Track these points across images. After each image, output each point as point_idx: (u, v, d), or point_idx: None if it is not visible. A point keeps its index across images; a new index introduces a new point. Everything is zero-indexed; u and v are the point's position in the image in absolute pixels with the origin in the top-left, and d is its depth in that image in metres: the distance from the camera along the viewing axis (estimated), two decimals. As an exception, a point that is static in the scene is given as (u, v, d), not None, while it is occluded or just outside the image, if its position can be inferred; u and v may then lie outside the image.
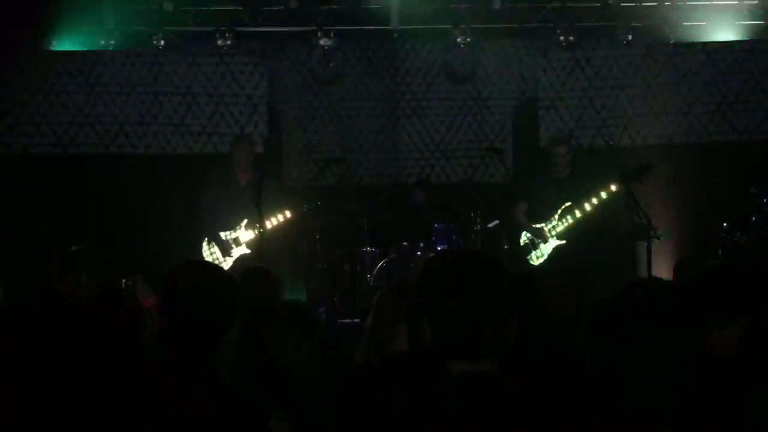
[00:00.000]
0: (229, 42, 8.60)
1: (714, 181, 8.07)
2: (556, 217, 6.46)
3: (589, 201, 6.29)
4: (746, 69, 8.49)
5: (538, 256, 6.58)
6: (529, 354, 2.75)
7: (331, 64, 8.70)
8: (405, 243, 7.46)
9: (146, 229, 8.05)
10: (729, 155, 8.30)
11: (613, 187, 6.13)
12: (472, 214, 7.59)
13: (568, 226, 6.40)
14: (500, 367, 1.77)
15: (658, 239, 6.30)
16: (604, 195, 6.22)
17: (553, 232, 6.49)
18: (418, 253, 7.28)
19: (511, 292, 1.81)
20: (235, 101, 8.66)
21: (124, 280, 5.39)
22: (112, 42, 8.45)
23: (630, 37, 8.54)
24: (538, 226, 6.57)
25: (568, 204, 6.39)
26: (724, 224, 6.93)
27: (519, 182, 7.29)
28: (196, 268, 2.17)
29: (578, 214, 6.34)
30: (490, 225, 7.66)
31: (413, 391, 1.77)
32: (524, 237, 6.72)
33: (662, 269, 6.74)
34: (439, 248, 7.21)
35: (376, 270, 7.26)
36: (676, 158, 8.21)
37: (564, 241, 6.45)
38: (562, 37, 8.59)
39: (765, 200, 6.65)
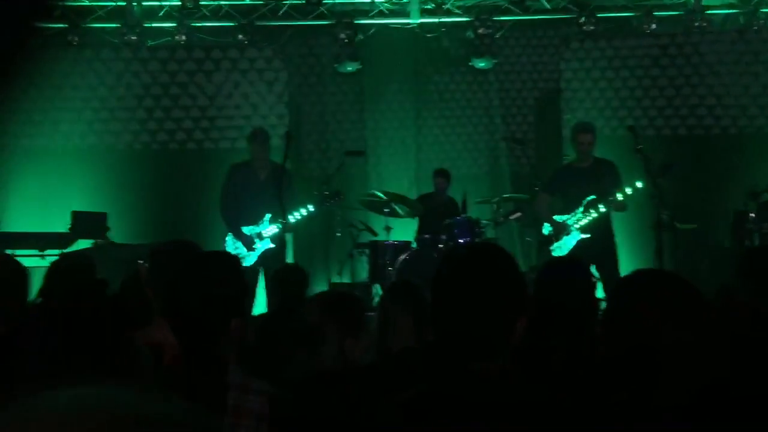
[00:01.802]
0: (249, 36, 8.64)
1: (741, 170, 7.97)
2: (581, 210, 6.37)
3: (614, 196, 6.17)
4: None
5: (560, 247, 6.50)
6: (547, 352, 2.71)
7: (351, 58, 8.69)
8: (427, 236, 7.44)
9: (168, 224, 8.10)
10: (756, 145, 8.19)
11: (639, 184, 6.01)
12: (495, 206, 7.58)
13: (592, 220, 6.30)
14: (509, 366, 1.75)
15: (684, 230, 6.24)
16: (629, 191, 6.09)
17: (577, 225, 6.40)
18: (440, 245, 7.25)
19: (519, 289, 1.76)
20: (256, 95, 8.69)
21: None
22: (134, 37, 8.50)
23: (653, 25, 8.46)
24: (560, 219, 6.48)
25: (592, 197, 6.29)
26: (751, 214, 6.86)
27: (541, 173, 7.22)
28: (204, 256, 2.14)
29: (603, 208, 6.23)
30: (512, 217, 7.62)
31: (414, 389, 1.75)
32: (547, 228, 6.66)
33: (689, 259, 6.68)
34: (461, 241, 7.18)
35: (398, 263, 7.24)
36: (704, 148, 8.13)
37: (588, 235, 6.35)
38: (584, 27, 8.54)
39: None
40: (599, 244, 6.29)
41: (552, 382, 2.43)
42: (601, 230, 6.32)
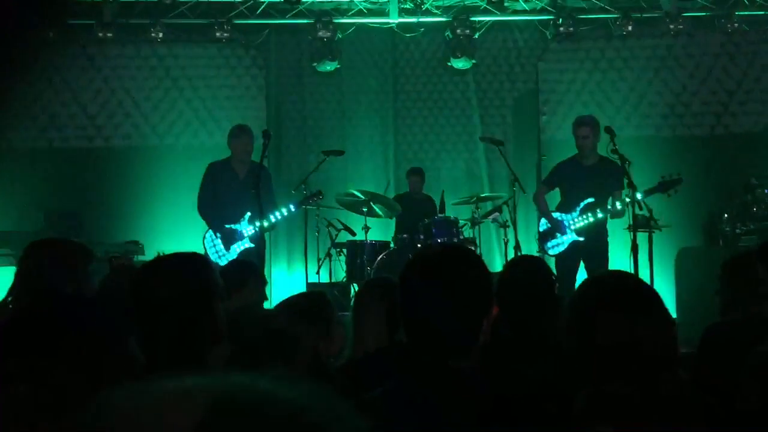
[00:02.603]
0: (227, 34, 8.59)
1: (716, 172, 8.07)
2: (578, 211, 6.30)
3: (614, 205, 6.10)
4: (748, 59, 8.48)
5: (555, 245, 6.44)
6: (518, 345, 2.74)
7: (330, 57, 8.67)
8: (405, 235, 7.45)
9: (146, 222, 8.04)
10: (730, 146, 8.30)
11: (639, 196, 5.90)
12: (473, 206, 7.60)
13: (588, 224, 6.24)
14: (478, 361, 1.77)
15: (660, 230, 6.27)
16: (628, 200, 6.04)
17: (573, 227, 6.34)
18: (418, 245, 7.25)
19: (485, 289, 1.79)
20: (234, 93, 8.64)
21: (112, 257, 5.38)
22: (110, 34, 8.41)
23: (630, 27, 8.54)
24: (558, 217, 6.39)
25: (591, 200, 6.21)
26: (725, 215, 6.94)
27: (519, 173, 7.21)
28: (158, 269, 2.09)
29: (600, 214, 6.17)
30: (490, 217, 7.65)
31: (385, 387, 1.76)
32: (544, 223, 6.59)
33: (663, 260, 6.75)
34: (439, 240, 7.19)
35: (376, 263, 7.24)
36: (678, 149, 8.21)
37: (582, 238, 6.31)
38: (562, 29, 8.60)
39: (767, 191, 6.65)
40: (592, 242, 6.26)
41: (521, 378, 2.46)
42: (595, 230, 6.28)
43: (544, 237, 6.47)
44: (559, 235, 6.37)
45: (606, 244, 6.33)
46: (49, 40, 8.28)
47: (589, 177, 6.22)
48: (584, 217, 6.22)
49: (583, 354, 1.72)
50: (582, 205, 6.23)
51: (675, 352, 1.74)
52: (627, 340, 1.65)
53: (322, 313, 2.71)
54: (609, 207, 6.09)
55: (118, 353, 1.47)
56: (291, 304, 2.78)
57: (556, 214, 6.40)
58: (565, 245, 6.36)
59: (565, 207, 6.41)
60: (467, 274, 1.77)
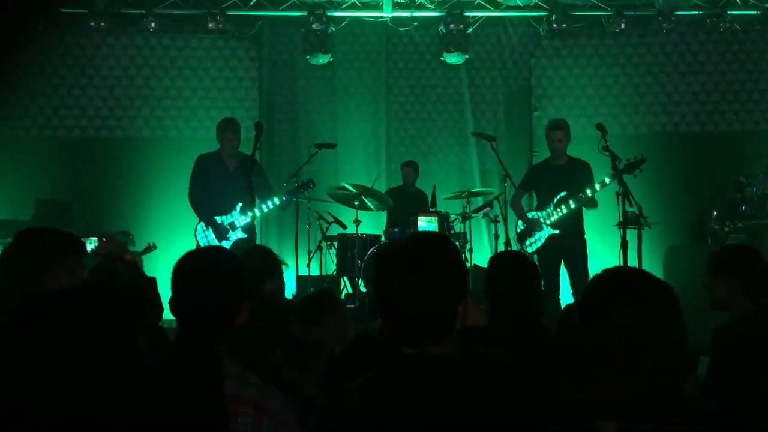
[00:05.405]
0: (220, 25, 8.56)
1: (705, 170, 8.13)
2: (552, 206, 6.46)
3: (584, 192, 6.26)
4: (739, 59, 8.54)
5: (532, 242, 6.59)
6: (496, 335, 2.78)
7: (323, 50, 8.66)
8: (396, 229, 7.46)
9: (137, 213, 8.02)
10: (720, 145, 8.36)
11: (607, 180, 6.10)
12: (464, 201, 7.62)
13: (562, 216, 6.39)
14: (456, 347, 1.77)
15: (649, 227, 6.33)
16: (597, 187, 6.18)
17: (548, 221, 6.49)
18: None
19: (458, 272, 1.78)
20: (227, 85, 8.62)
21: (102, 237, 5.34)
22: (103, 24, 8.37)
23: (623, 25, 8.58)
24: (533, 216, 6.56)
25: (563, 194, 6.38)
26: (714, 213, 6.99)
27: (510, 169, 7.27)
28: (207, 254, 2.18)
29: (572, 204, 6.32)
30: (481, 212, 7.68)
31: (364, 375, 1.77)
32: (521, 223, 6.75)
33: (652, 257, 6.80)
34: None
35: (366, 256, 7.25)
36: (668, 147, 8.27)
37: (557, 231, 6.45)
38: (555, 26, 8.62)
39: (755, 189, 6.71)
40: (570, 241, 6.38)
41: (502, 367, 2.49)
42: (572, 227, 6.40)
43: (521, 236, 6.68)
44: (535, 232, 6.56)
45: (584, 242, 6.48)
46: (40, 29, 8.24)
47: (561, 175, 6.46)
48: (558, 210, 6.43)
49: (602, 349, 1.72)
50: (556, 199, 6.41)
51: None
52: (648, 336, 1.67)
53: (336, 319, 2.74)
54: (580, 194, 6.24)
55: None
56: (305, 313, 2.80)
57: (531, 214, 6.61)
58: (542, 240, 6.52)
59: (541, 205, 6.61)
60: (439, 257, 1.76)
